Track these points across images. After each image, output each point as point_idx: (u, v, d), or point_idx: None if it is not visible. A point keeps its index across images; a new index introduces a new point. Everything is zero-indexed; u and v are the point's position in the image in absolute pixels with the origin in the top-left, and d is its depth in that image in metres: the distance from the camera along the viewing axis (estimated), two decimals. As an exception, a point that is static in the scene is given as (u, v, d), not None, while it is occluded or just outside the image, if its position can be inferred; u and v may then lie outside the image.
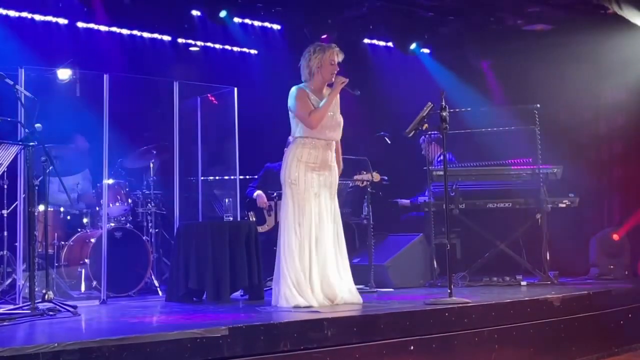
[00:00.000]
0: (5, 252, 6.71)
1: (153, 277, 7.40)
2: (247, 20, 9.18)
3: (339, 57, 5.87)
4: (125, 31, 8.74)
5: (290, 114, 5.88)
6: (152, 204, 7.77)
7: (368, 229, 7.42)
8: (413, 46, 9.88)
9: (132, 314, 5.58)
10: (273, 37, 9.38)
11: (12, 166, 5.88)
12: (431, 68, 10.20)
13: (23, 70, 6.13)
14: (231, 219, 7.01)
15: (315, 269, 5.69)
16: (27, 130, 5.48)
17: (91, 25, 8.48)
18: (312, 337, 4.48)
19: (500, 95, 9.70)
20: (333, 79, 5.86)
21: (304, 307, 5.48)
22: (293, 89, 5.88)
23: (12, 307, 5.56)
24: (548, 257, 7.64)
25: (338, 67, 5.88)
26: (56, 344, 3.69)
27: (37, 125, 5.42)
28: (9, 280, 6.56)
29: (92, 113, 6.83)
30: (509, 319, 5.51)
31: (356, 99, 6.15)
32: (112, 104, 6.59)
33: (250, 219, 7.77)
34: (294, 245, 5.68)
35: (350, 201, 7.96)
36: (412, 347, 4.85)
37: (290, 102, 5.84)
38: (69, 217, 7.50)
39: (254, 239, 6.57)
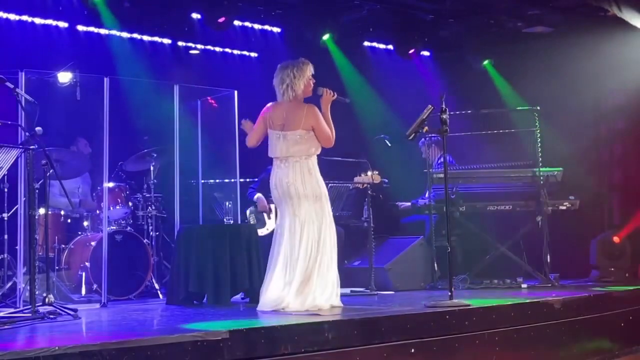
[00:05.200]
0: (5, 255, 6.71)
1: (153, 280, 7.40)
2: (247, 23, 9.18)
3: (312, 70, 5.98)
4: (125, 34, 8.74)
5: (303, 133, 5.81)
6: (153, 207, 7.76)
7: (368, 232, 7.42)
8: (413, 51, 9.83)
9: (133, 317, 5.58)
10: (273, 40, 9.38)
11: (13, 169, 5.89)
12: (431, 70, 10.21)
13: (23, 73, 6.14)
14: (232, 222, 7.01)
15: (325, 269, 5.82)
16: (27, 133, 5.49)
17: (91, 29, 8.48)
18: (313, 340, 4.48)
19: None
20: (311, 93, 5.92)
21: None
22: (307, 108, 5.84)
23: (12, 310, 5.56)
24: (549, 260, 7.64)
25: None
26: (57, 348, 3.69)
27: (38, 128, 5.42)
28: (10, 284, 6.55)
29: (93, 116, 6.83)
30: (510, 321, 5.51)
31: (356, 101, 6.16)
32: (112, 107, 6.59)
33: (251, 222, 7.77)
34: (331, 254, 5.83)
35: (350, 204, 7.96)
36: (413, 350, 4.84)
37: (313, 121, 5.81)
38: (69, 221, 7.50)
39: (254, 242, 6.57)
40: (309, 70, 5.91)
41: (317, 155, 5.93)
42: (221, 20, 8.35)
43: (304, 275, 5.70)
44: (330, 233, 5.88)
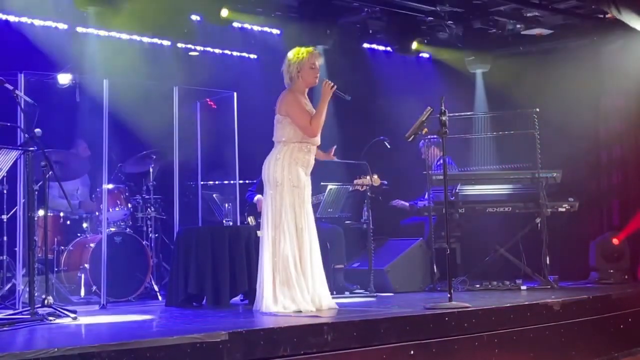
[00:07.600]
0: (5, 257, 6.72)
1: (153, 281, 7.41)
2: (246, 25, 9.18)
3: (319, 61, 5.87)
4: (124, 36, 8.73)
5: (280, 118, 5.80)
6: (152, 209, 7.77)
7: (368, 234, 7.43)
8: (415, 46, 9.80)
9: (132, 318, 5.58)
10: (272, 41, 9.37)
11: (12, 171, 5.89)
12: (430, 72, 10.20)
13: (23, 75, 6.14)
14: (231, 223, 7.01)
15: (309, 272, 5.69)
16: (27, 135, 5.49)
17: (90, 30, 8.47)
18: (312, 342, 4.48)
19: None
20: (316, 83, 5.86)
21: (307, 312, 5.48)
22: (285, 94, 5.83)
23: (11, 312, 5.56)
24: (548, 262, 7.64)
25: (319, 70, 5.87)
26: (56, 349, 3.69)
27: (37, 130, 5.42)
28: (9, 286, 6.56)
29: (92, 118, 6.83)
30: (509, 323, 5.51)
31: (356, 103, 6.15)
32: (112, 109, 6.59)
33: (250, 224, 7.77)
34: (292, 249, 5.64)
35: (349, 205, 7.96)
36: (412, 352, 4.85)
37: (285, 107, 5.78)
38: (68, 222, 7.50)
39: (253, 243, 6.57)
40: (303, 56, 5.82)
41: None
42: (224, 14, 8.35)
43: (262, 273, 5.71)
44: (285, 231, 5.66)
